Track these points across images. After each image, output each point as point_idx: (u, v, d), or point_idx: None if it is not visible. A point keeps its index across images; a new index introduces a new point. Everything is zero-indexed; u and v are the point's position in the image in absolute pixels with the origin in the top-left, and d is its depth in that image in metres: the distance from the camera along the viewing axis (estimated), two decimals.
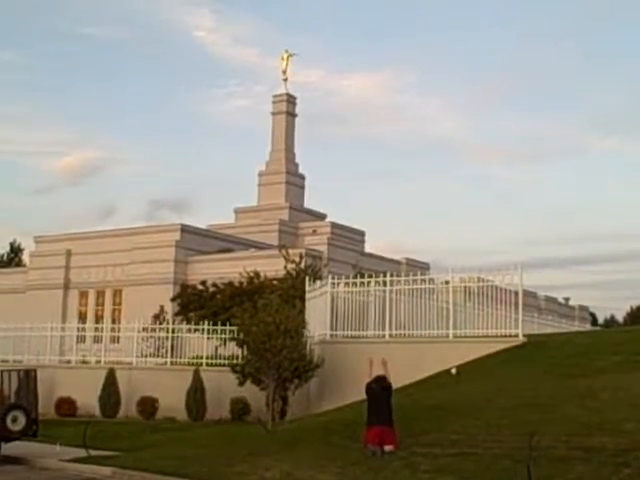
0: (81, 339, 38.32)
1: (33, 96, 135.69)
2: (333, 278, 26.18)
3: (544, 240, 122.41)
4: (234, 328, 28.46)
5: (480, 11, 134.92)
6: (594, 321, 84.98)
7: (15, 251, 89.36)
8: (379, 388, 15.87)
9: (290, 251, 46.54)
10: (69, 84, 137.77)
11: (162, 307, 46.21)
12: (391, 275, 25.32)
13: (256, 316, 24.73)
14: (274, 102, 75.64)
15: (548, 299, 77.38)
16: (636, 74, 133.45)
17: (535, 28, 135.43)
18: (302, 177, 76.00)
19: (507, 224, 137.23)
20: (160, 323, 38.69)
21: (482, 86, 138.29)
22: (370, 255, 67.10)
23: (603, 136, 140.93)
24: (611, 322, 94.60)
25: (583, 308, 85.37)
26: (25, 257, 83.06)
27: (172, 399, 30.36)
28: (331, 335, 25.34)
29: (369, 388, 16.04)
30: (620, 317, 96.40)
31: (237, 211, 74.29)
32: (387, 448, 15.00)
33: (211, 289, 44.86)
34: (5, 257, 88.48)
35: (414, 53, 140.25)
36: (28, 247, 76.28)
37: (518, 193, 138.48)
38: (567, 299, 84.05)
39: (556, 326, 39.71)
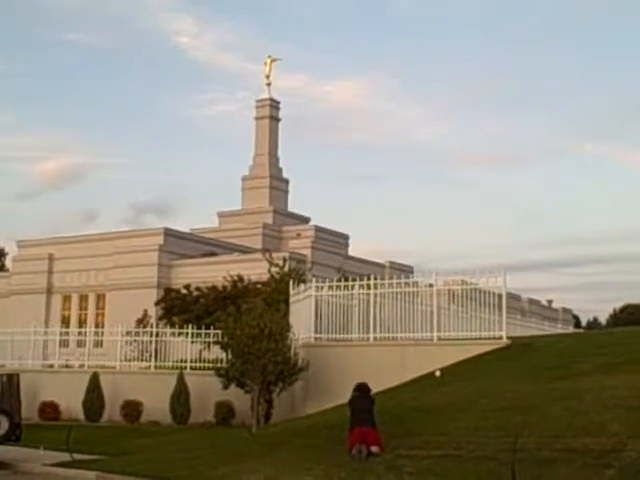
0: (64, 343, 38.10)
1: (16, 102, 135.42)
2: (317, 281, 26.17)
3: (527, 243, 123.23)
4: (218, 332, 28.42)
5: (459, 18, 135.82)
6: (577, 323, 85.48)
7: None
8: (362, 397, 16.08)
9: (274, 255, 46.53)
10: (52, 90, 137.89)
11: (146, 311, 46.20)
12: (375, 278, 25.33)
13: (240, 320, 24.68)
14: (257, 107, 75.70)
15: (531, 301, 77.84)
16: (614, 79, 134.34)
17: (515, 34, 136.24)
18: (286, 181, 76.06)
19: (490, 227, 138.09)
20: (144, 327, 38.63)
21: (463, 92, 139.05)
22: (354, 258, 67.26)
23: (583, 140, 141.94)
24: (594, 324, 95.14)
25: (566, 310, 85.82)
26: (8, 262, 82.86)
27: (156, 403, 30.27)
28: (315, 338, 25.32)
29: (352, 398, 16.27)
30: (603, 319, 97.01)
31: (221, 215, 74.27)
32: (373, 449, 15.03)
33: (195, 293, 44.78)
34: None
35: (396, 60, 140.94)
36: (11, 252, 76.05)
37: (500, 197, 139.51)
38: (550, 301, 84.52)
39: (539, 328, 39.90)
